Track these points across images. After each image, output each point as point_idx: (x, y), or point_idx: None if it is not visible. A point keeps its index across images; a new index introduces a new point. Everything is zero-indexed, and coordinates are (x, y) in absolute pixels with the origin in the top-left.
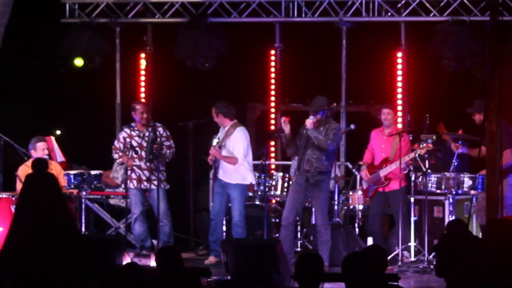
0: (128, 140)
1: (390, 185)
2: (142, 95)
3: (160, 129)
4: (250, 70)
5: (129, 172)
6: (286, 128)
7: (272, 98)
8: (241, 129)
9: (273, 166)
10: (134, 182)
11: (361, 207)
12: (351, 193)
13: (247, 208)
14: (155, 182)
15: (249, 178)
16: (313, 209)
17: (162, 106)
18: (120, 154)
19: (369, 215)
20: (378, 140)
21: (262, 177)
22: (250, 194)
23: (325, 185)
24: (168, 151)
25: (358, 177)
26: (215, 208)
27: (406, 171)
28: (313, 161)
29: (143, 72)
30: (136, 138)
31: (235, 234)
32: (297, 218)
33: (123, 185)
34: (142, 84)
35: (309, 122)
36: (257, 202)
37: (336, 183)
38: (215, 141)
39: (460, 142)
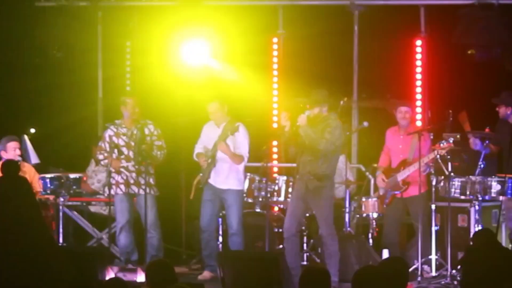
0: (114, 138)
1: (408, 190)
2: (128, 88)
3: (151, 127)
4: (250, 60)
5: (115, 175)
6: (288, 124)
7: (275, 92)
8: (243, 126)
9: (275, 169)
10: (122, 186)
11: (375, 215)
12: (364, 199)
13: (246, 216)
14: (144, 187)
15: (244, 183)
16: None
17: (149, 100)
18: (106, 155)
19: (385, 224)
20: (394, 140)
21: (263, 182)
22: (250, 200)
23: (326, 192)
24: (159, 152)
25: (372, 181)
26: (205, 218)
27: (425, 173)
28: (308, 164)
29: (128, 63)
30: (124, 137)
31: (233, 245)
32: (302, 227)
33: (106, 190)
34: (127, 76)
35: (301, 118)
36: (258, 210)
37: (348, 188)
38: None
39: (487, 142)
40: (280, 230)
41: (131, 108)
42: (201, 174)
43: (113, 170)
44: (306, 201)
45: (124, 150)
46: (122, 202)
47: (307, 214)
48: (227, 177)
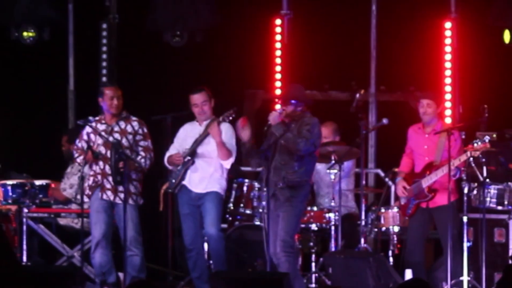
0: (92, 137)
1: (435, 199)
2: (104, 79)
3: (135, 124)
4: (248, 47)
5: (89, 179)
6: (245, 134)
7: (278, 84)
8: (229, 125)
9: None
10: (97, 192)
11: (397, 229)
12: (383, 210)
13: (244, 230)
14: (123, 195)
15: (224, 188)
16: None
17: (130, 93)
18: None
19: (408, 240)
20: (418, 140)
21: (264, 190)
22: (248, 211)
23: (298, 202)
24: (143, 160)
25: (392, 189)
26: (188, 234)
27: (456, 178)
28: (281, 169)
29: (104, 49)
30: (103, 134)
31: (214, 252)
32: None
33: (78, 198)
34: (103, 64)
35: (273, 115)
36: (257, 222)
37: (363, 197)
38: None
39: None
40: None
41: (109, 100)
42: (173, 180)
43: (88, 173)
44: (276, 212)
45: (103, 149)
46: (97, 213)
47: (313, 228)
48: (208, 181)
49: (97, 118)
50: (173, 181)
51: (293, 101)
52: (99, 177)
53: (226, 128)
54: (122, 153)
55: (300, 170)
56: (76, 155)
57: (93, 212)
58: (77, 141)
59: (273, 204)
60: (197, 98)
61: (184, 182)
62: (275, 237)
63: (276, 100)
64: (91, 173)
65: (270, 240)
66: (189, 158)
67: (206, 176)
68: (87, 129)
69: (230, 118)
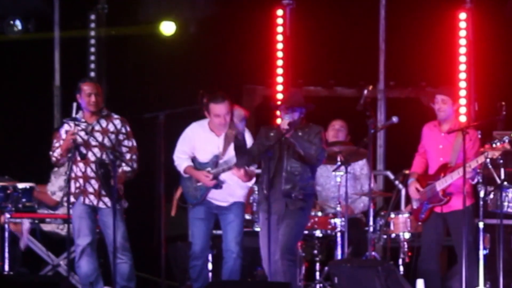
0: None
1: (450, 203)
2: (92, 73)
3: (117, 122)
4: (247, 39)
5: (72, 182)
6: (241, 124)
7: (279, 79)
8: (247, 131)
9: None
10: (81, 197)
11: (407, 235)
12: (393, 215)
13: (243, 236)
14: (107, 199)
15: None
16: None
17: (121, 89)
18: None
19: (422, 246)
20: (433, 139)
21: (265, 193)
22: (247, 217)
23: (306, 213)
24: (130, 164)
25: (403, 192)
26: (199, 241)
27: (473, 181)
28: (295, 179)
29: (92, 42)
30: (82, 134)
31: (232, 273)
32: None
33: (64, 203)
34: (92, 58)
35: (285, 122)
36: (257, 229)
37: (372, 201)
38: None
39: None
40: None
41: (86, 96)
42: (193, 200)
43: (67, 176)
44: (279, 220)
45: (83, 150)
46: (81, 219)
47: (318, 234)
48: (236, 189)
49: (79, 116)
50: (194, 200)
51: (298, 109)
52: (81, 181)
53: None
54: (108, 176)
55: (311, 182)
56: (54, 154)
57: (76, 218)
58: (55, 141)
59: (279, 210)
60: (221, 109)
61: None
62: (275, 243)
63: (280, 106)
64: (72, 175)
65: (270, 246)
66: (215, 182)
67: (230, 189)
68: (66, 127)
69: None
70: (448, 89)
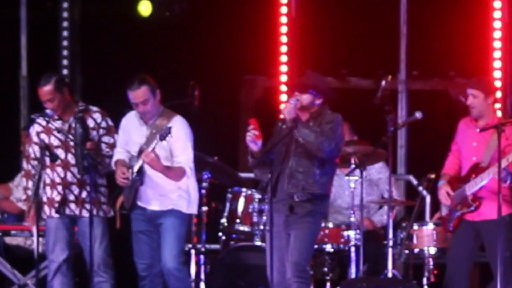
0: (44, 136)
1: (481, 210)
2: (64, 61)
3: (97, 116)
4: (245, 21)
5: (47, 190)
6: (253, 144)
7: (283, 68)
8: (182, 120)
9: None
10: (57, 206)
11: (433, 250)
12: (416, 227)
13: (241, 252)
14: (89, 206)
15: (195, 204)
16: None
17: (98, 80)
18: (35, 164)
19: (449, 262)
20: (467, 135)
21: (266, 201)
22: (246, 229)
23: (317, 219)
24: (108, 160)
25: (428, 200)
26: (143, 256)
27: (507, 184)
28: (299, 177)
29: (65, 24)
30: (58, 133)
31: None
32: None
33: (31, 212)
34: (64, 44)
35: (288, 108)
36: (258, 243)
37: (391, 210)
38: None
39: None
40: None
41: (46, 103)
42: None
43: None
44: (286, 230)
45: (60, 153)
46: (56, 231)
47: (328, 249)
48: (169, 194)
49: (51, 112)
50: (126, 204)
51: (311, 91)
52: (60, 188)
53: (177, 129)
54: (85, 136)
55: (321, 179)
56: (25, 164)
57: (51, 231)
58: (27, 146)
59: (285, 219)
60: (136, 96)
61: (138, 202)
62: (283, 259)
63: (289, 89)
64: (48, 181)
65: (275, 263)
66: (136, 178)
67: (161, 190)
68: (36, 128)
69: (169, 136)
70: (479, 80)
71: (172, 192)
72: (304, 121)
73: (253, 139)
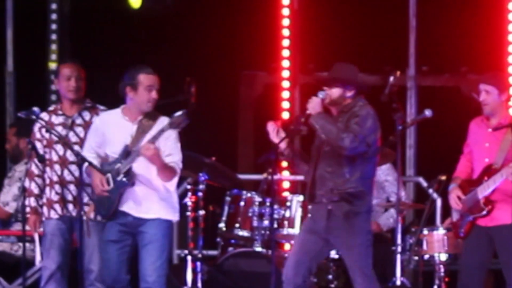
0: (44, 132)
1: (494, 215)
2: (53, 56)
3: None
4: (245, 15)
5: (46, 191)
6: (280, 140)
7: (285, 63)
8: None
9: (286, 185)
10: (56, 207)
11: (444, 257)
12: (426, 232)
13: (240, 258)
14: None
15: (177, 210)
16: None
17: (90, 76)
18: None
19: (461, 269)
20: (479, 135)
21: (267, 204)
22: (246, 234)
23: (361, 222)
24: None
25: (438, 203)
26: (110, 268)
27: None
28: (327, 177)
29: (53, 17)
30: (59, 128)
31: None
32: (310, 276)
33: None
34: (53, 37)
35: (314, 102)
36: (258, 249)
37: (400, 214)
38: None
39: None
40: None
41: (65, 81)
42: (102, 211)
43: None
44: (326, 236)
45: (58, 149)
46: (53, 236)
47: (333, 256)
48: (155, 202)
49: (51, 108)
50: (103, 211)
51: (341, 84)
52: (57, 187)
53: (167, 132)
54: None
55: (352, 177)
56: (32, 166)
57: (48, 235)
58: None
59: (324, 221)
60: (155, 81)
61: (122, 208)
62: (301, 256)
63: (319, 83)
64: (47, 181)
65: (290, 257)
66: (124, 180)
67: (146, 197)
68: (38, 125)
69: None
70: (494, 76)
71: (158, 197)
72: (333, 116)
73: (274, 132)
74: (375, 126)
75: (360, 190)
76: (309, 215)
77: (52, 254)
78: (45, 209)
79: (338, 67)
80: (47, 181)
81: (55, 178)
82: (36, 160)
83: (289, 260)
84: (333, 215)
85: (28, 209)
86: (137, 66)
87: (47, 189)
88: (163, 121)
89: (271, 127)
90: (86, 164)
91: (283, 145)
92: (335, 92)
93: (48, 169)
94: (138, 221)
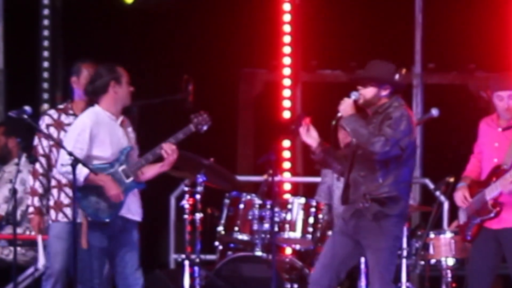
0: (53, 130)
1: (502, 217)
2: (45, 53)
3: None
4: (246, 12)
5: (54, 192)
6: (311, 139)
7: (286, 60)
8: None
9: (287, 187)
10: (66, 211)
11: (451, 261)
12: (433, 235)
13: (240, 263)
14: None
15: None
16: (368, 268)
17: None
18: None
19: (469, 273)
20: (488, 135)
21: (268, 206)
22: (245, 238)
23: (390, 226)
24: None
25: (446, 206)
26: (100, 275)
27: None
28: (360, 182)
29: (45, 12)
30: (51, 130)
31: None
32: (339, 281)
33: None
34: (45, 34)
35: (346, 104)
36: (258, 253)
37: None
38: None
39: None
40: (296, 286)
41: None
42: (105, 218)
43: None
44: (356, 237)
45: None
46: (61, 239)
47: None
48: (135, 202)
49: (61, 106)
50: (108, 216)
51: (376, 84)
52: (67, 189)
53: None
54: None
55: (386, 182)
56: (38, 165)
57: (56, 238)
58: (35, 141)
59: (354, 223)
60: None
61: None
62: (331, 258)
63: (352, 82)
64: (53, 183)
65: (320, 260)
66: (138, 183)
67: (131, 196)
68: (46, 120)
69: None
70: (508, 78)
71: (137, 197)
72: (367, 116)
73: (305, 127)
74: (409, 128)
75: (394, 195)
76: (342, 215)
77: (59, 259)
78: (52, 212)
79: (373, 65)
80: (54, 183)
81: (64, 180)
82: (41, 159)
83: (317, 263)
84: (362, 215)
85: (31, 209)
86: (109, 61)
87: (55, 191)
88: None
89: (301, 124)
90: (87, 171)
91: (314, 144)
92: (369, 91)
93: (54, 170)
94: (125, 223)
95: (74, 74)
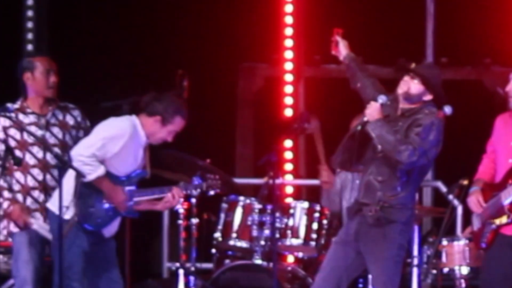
0: (13, 133)
1: None
2: (29, 46)
3: (76, 113)
4: (245, 3)
5: (17, 198)
6: (342, 47)
7: (287, 54)
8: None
9: (289, 190)
10: (37, 215)
11: (465, 270)
12: (446, 242)
13: (238, 272)
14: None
15: None
16: (369, 277)
17: (69, 70)
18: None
19: (482, 284)
20: (504, 135)
21: (268, 211)
22: (245, 245)
23: (394, 233)
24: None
25: (459, 211)
26: (83, 280)
27: None
28: (377, 187)
29: (29, 3)
30: (33, 128)
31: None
32: None
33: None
34: (29, 25)
35: (373, 108)
36: (258, 261)
37: (415, 222)
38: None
39: None
40: None
41: (42, 74)
42: (81, 206)
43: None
44: (357, 246)
45: (36, 151)
46: (30, 246)
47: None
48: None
49: (16, 105)
50: (99, 225)
51: (427, 86)
52: (36, 193)
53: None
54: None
55: (402, 193)
56: None
57: (24, 246)
58: None
59: (356, 229)
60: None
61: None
62: (334, 266)
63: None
64: (17, 188)
65: (322, 269)
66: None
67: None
68: (2, 122)
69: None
70: None
71: None
72: (391, 121)
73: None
74: (438, 138)
75: (405, 206)
76: (346, 220)
77: (31, 266)
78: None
79: (429, 66)
80: (17, 188)
81: (31, 184)
82: None
83: (317, 275)
84: (364, 221)
85: (6, 204)
86: (181, 107)
87: (19, 196)
88: None
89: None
90: (100, 172)
91: (344, 51)
92: (417, 87)
93: (19, 174)
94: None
95: (27, 70)
